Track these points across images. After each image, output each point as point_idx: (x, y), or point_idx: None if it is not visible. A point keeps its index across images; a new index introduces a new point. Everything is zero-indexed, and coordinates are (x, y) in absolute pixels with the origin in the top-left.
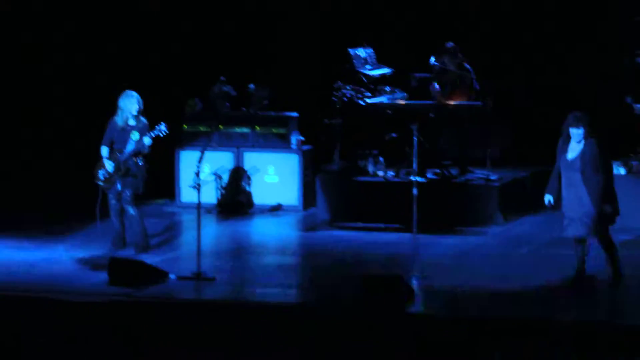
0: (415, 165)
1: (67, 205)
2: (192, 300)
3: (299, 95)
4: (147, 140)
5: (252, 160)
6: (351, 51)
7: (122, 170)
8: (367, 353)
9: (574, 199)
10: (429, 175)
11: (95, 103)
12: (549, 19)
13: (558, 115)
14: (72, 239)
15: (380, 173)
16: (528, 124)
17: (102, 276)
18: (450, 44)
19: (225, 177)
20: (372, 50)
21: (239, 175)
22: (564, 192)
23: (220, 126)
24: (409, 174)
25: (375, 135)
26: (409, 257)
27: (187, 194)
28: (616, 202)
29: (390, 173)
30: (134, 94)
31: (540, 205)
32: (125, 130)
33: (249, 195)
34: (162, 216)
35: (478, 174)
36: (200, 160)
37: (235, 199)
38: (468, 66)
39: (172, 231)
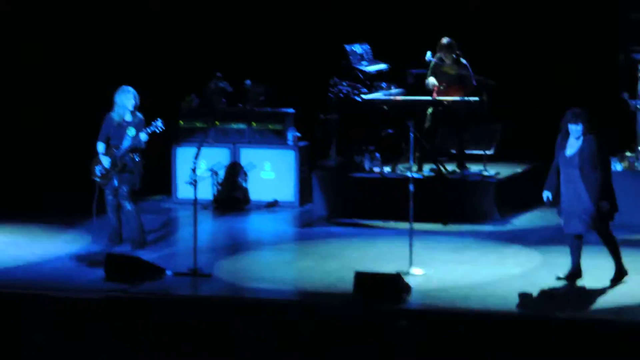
0: (411, 161)
1: (64, 202)
2: (189, 296)
3: (295, 92)
4: (143, 136)
5: (249, 156)
6: (347, 47)
7: (119, 166)
8: (364, 350)
9: (573, 195)
10: (426, 172)
11: (94, 101)
12: (547, 16)
13: (554, 112)
14: (68, 235)
15: (377, 169)
16: (524, 121)
17: (99, 272)
18: (446, 40)
19: (222, 173)
20: (368, 46)
21: (235, 171)
22: (563, 189)
23: (217, 122)
24: (405, 170)
25: (372, 131)
26: (405, 253)
27: (183, 190)
28: (614, 199)
29: (387, 169)
30: (130, 89)
31: (536, 201)
32: (122, 126)
33: (245, 191)
34: (159, 212)
35: (474, 170)
36: (196, 157)
37: (232, 195)
38: (465, 61)
39: (168, 227)
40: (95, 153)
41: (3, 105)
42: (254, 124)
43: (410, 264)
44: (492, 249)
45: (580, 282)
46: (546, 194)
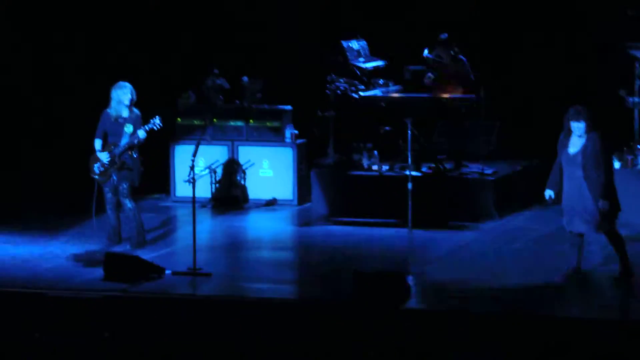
0: (409, 159)
1: (63, 201)
2: (188, 295)
3: (292, 89)
4: (141, 134)
5: (247, 154)
6: (344, 44)
7: (118, 164)
8: (363, 349)
9: (576, 193)
10: (424, 169)
11: (93, 99)
12: (544, 13)
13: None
14: (67, 233)
15: (375, 167)
16: (523, 118)
17: (98, 272)
18: (444, 36)
19: (220, 171)
20: (366, 43)
21: (233, 169)
22: (565, 187)
23: (214, 119)
24: (403, 168)
25: (369, 128)
26: (404, 252)
27: (181, 189)
28: (616, 198)
29: (385, 167)
30: (127, 84)
31: (535, 200)
32: (119, 123)
33: (243, 189)
34: (157, 211)
35: (473, 168)
36: (194, 154)
37: (230, 193)
38: (463, 57)
39: (167, 226)
40: (92, 150)
41: (1, 104)
42: (251, 121)
43: (409, 262)
44: (491, 247)
45: (581, 281)
46: (548, 193)
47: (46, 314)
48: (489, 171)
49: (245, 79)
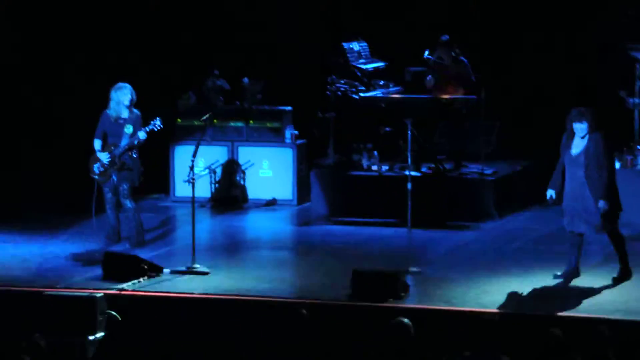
0: (409, 160)
1: (62, 200)
2: (187, 294)
3: (292, 89)
4: (142, 135)
5: (247, 154)
6: (345, 45)
7: (118, 165)
8: (362, 348)
9: (577, 194)
10: (424, 170)
11: (93, 99)
12: (544, 12)
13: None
14: (67, 233)
15: (375, 167)
16: (523, 118)
17: (97, 271)
18: (445, 37)
19: (219, 172)
20: (366, 44)
21: (233, 169)
22: (567, 187)
23: (215, 120)
24: (403, 168)
25: (369, 129)
26: (403, 251)
27: (181, 189)
28: (618, 199)
29: (385, 167)
30: (126, 85)
31: (534, 200)
32: (119, 123)
33: (243, 189)
34: (157, 211)
35: (472, 169)
36: (194, 155)
37: (230, 194)
38: (464, 59)
39: (166, 226)
40: (92, 150)
41: (1, 104)
42: (251, 122)
43: (408, 262)
44: (491, 247)
45: (580, 281)
46: (550, 193)
47: (45, 313)
48: (488, 171)
49: (245, 80)
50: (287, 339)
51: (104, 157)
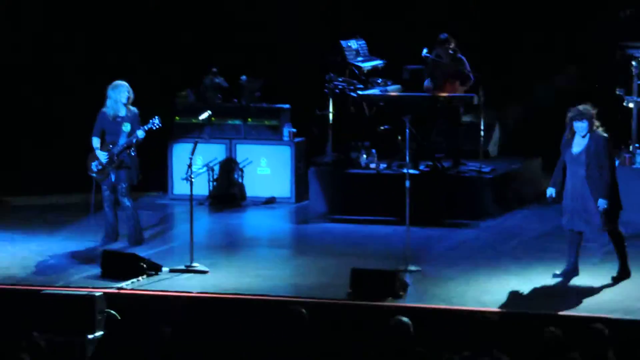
0: (407, 158)
1: (60, 197)
2: (185, 292)
3: (291, 87)
4: (140, 134)
5: (245, 152)
6: (343, 43)
7: (116, 163)
8: (361, 347)
9: (578, 192)
10: (422, 168)
11: (93, 100)
12: (541, 11)
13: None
14: (65, 231)
15: (373, 165)
16: (521, 116)
17: (95, 269)
18: (443, 35)
19: (217, 169)
20: (364, 42)
21: (231, 167)
22: (568, 185)
23: (213, 118)
24: (401, 166)
25: (368, 127)
26: (402, 250)
27: (179, 186)
28: (618, 197)
29: (383, 165)
30: (124, 83)
31: (532, 198)
32: (117, 122)
33: (241, 187)
34: (155, 208)
35: (470, 167)
36: (192, 153)
37: (228, 191)
38: (462, 57)
39: (164, 224)
40: (91, 149)
41: (1, 104)
42: (249, 119)
43: (407, 260)
44: (489, 245)
45: (578, 280)
46: (550, 191)
47: (43, 311)
48: (486, 169)
49: (243, 78)
50: (286, 338)
51: (103, 155)
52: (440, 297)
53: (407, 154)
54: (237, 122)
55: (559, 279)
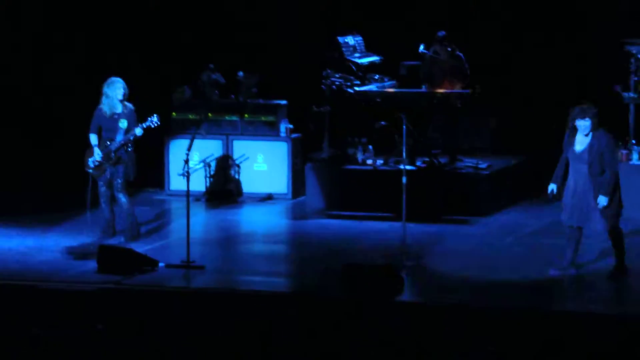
0: (404, 154)
1: (57, 194)
2: (181, 288)
3: (287, 83)
4: (138, 131)
5: (241, 148)
6: (340, 39)
7: (113, 159)
8: (356, 342)
9: (580, 189)
10: (418, 164)
11: (93, 100)
12: (538, 7)
13: (548, 105)
14: (61, 226)
15: (369, 161)
16: (517, 113)
17: (91, 264)
18: (441, 33)
19: (214, 165)
20: (361, 38)
21: (227, 163)
22: (570, 182)
23: (209, 114)
24: (398, 162)
25: (364, 123)
26: (398, 245)
27: (176, 182)
28: (619, 195)
29: (379, 161)
30: (119, 80)
31: (529, 194)
32: (114, 119)
33: (238, 183)
34: (152, 204)
35: (467, 163)
36: (189, 148)
37: (225, 187)
38: (460, 54)
39: (161, 219)
40: (88, 145)
41: (1, 104)
42: (246, 115)
43: (403, 256)
44: (485, 241)
45: (576, 276)
46: (551, 187)
47: (40, 306)
48: (483, 165)
49: (240, 73)
50: (282, 332)
51: (100, 152)
52: (436, 292)
53: (404, 150)
54: (234, 118)
55: (555, 275)
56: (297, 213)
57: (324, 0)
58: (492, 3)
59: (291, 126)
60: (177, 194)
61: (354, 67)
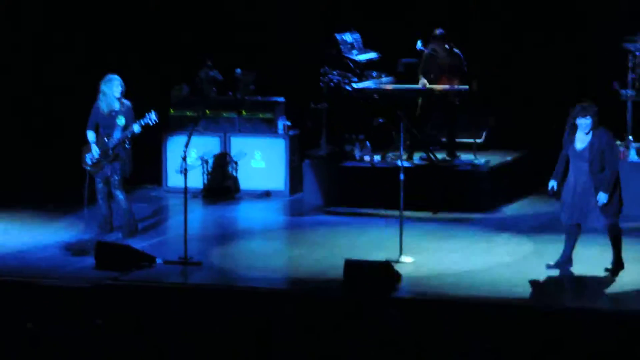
0: (401, 150)
1: (54, 190)
2: (179, 284)
3: (285, 80)
4: (137, 128)
5: (239, 145)
6: (338, 36)
7: (111, 156)
8: (354, 339)
9: (580, 187)
10: (416, 160)
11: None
12: (538, 7)
13: (546, 101)
14: (59, 223)
15: (367, 158)
16: (515, 109)
17: (89, 260)
18: (440, 31)
19: (212, 162)
20: (359, 35)
21: (225, 160)
22: (570, 179)
23: (207, 111)
24: (395, 158)
25: (362, 120)
26: (396, 241)
27: (173, 179)
28: (620, 193)
29: (377, 158)
30: (116, 77)
31: (527, 190)
32: (111, 116)
33: (235, 180)
34: (149, 201)
35: (465, 159)
36: (186, 145)
37: (222, 184)
38: (458, 52)
39: (158, 216)
40: (85, 141)
41: (1, 104)
42: (244, 112)
43: (401, 252)
44: (482, 237)
45: (572, 271)
46: (552, 183)
47: (38, 302)
48: (481, 162)
49: (238, 71)
50: (279, 329)
51: (97, 148)
52: (434, 289)
53: (402, 146)
54: (232, 115)
55: (553, 270)
56: (295, 210)
57: (323, 0)
58: (492, 3)
59: (289, 123)
60: (174, 191)
61: (351, 64)
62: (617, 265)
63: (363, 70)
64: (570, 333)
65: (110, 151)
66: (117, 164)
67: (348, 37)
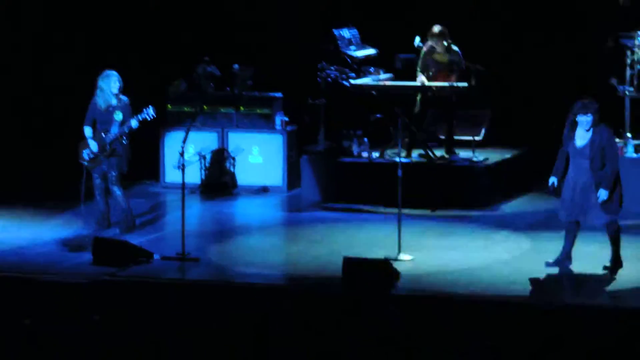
0: (399, 147)
1: (51, 186)
2: (177, 280)
3: (283, 76)
4: (134, 123)
5: (237, 140)
6: (335, 32)
7: (108, 152)
8: (352, 336)
9: (580, 184)
10: (414, 157)
11: (83, 87)
12: (538, 7)
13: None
14: (56, 219)
15: (365, 154)
16: (513, 106)
17: (87, 256)
18: (438, 28)
19: (209, 158)
20: (357, 31)
21: (223, 155)
22: (570, 176)
23: (205, 107)
24: (393, 155)
25: (360, 116)
26: (394, 238)
27: (171, 174)
28: (620, 190)
29: (375, 154)
30: (114, 72)
31: (525, 187)
32: (108, 111)
33: (233, 175)
34: (147, 196)
35: (463, 156)
36: (184, 141)
37: (220, 180)
38: (456, 48)
39: (156, 211)
40: (82, 137)
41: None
42: (242, 108)
43: (399, 249)
44: (481, 235)
45: (571, 269)
46: (552, 180)
47: (35, 298)
48: (479, 159)
49: (235, 66)
50: (277, 325)
51: (94, 144)
52: (433, 286)
53: (400, 143)
54: (230, 110)
55: (551, 267)
56: (293, 205)
57: (324, 0)
58: (492, 3)
59: (286, 119)
60: (172, 187)
61: (349, 60)
62: (616, 262)
63: (361, 65)
64: (570, 330)
65: (108, 147)
66: (115, 159)
67: (346, 32)
